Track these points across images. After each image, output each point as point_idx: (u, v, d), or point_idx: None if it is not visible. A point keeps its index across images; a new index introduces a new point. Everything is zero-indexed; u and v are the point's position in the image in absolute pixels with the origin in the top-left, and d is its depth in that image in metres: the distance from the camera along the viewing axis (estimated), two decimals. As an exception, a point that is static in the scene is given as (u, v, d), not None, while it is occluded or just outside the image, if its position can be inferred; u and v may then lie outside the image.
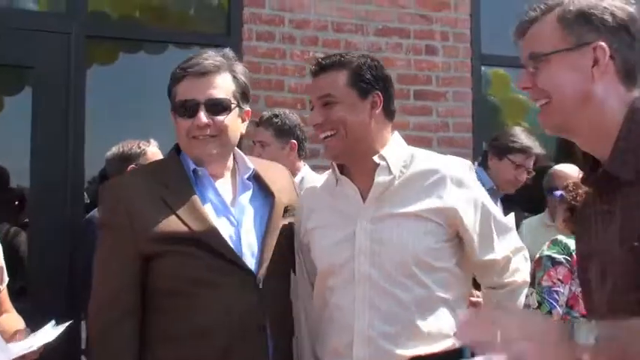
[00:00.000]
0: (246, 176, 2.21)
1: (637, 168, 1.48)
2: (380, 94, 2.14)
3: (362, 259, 2.09)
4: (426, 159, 2.20)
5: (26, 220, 4.27)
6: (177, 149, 2.23)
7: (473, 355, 1.42)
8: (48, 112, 4.08)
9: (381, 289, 2.08)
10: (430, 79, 4.81)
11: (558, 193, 3.55)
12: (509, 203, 3.91)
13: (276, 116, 3.65)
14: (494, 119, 5.43)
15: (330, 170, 2.25)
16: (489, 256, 2.18)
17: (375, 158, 2.13)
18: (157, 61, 4.57)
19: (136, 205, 2.07)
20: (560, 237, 3.36)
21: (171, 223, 2.05)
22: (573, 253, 3.13)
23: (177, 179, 2.14)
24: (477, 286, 2.43)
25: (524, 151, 3.82)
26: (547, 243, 3.39)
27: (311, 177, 3.44)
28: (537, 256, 3.33)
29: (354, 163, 2.18)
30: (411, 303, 2.06)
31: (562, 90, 1.53)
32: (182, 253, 2.04)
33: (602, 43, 1.51)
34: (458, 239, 2.15)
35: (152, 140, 3.57)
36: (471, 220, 2.13)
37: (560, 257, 3.27)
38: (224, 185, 2.20)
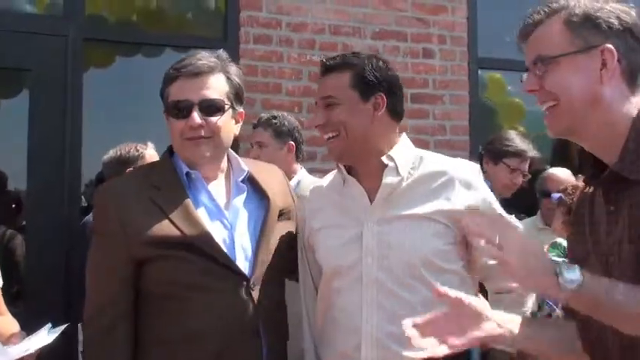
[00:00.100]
0: (240, 179, 2.18)
1: None
2: (383, 95, 2.13)
3: (369, 261, 2.08)
4: (435, 161, 2.19)
5: (23, 223, 4.26)
6: (170, 152, 2.20)
7: (481, 358, 1.45)
8: (45, 115, 4.07)
9: (388, 291, 2.07)
10: (427, 82, 4.80)
11: (557, 195, 3.54)
12: (506, 207, 3.91)
13: (275, 117, 3.66)
14: (490, 122, 5.44)
15: (335, 171, 2.24)
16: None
17: (384, 159, 2.12)
18: (155, 64, 4.55)
19: (129, 210, 2.05)
20: (559, 240, 3.36)
21: (164, 228, 2.02)
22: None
23: (169, 183, 2.11)
24: (483, 292, 2.41)
25: (519, 154, 3.82)
26: (546, 246, 3.38)
27: (307, 180, 3.44)
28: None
29: (360, 164, 2.17)
30: (418, 304, 2.04)
31: (571, 92, 1.54)
32: (175, 258, 2.02)
33: (610, 46, 1.52)
34: (465, 242, 2.14)
35: (149, 143, 3.54)
36: None
37: (559, 260, 3.27)
38: (217, 188, 2.17)
